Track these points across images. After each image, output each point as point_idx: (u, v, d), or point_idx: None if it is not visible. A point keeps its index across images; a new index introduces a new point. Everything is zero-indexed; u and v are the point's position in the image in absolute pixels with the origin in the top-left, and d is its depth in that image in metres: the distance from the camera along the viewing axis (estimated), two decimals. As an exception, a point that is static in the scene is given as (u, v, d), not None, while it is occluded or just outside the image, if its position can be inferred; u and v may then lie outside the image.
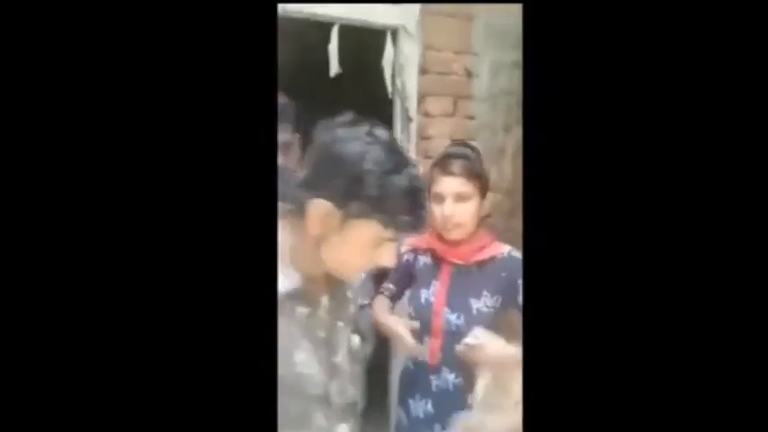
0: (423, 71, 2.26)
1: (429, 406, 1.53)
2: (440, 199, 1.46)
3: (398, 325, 1.47)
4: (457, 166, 1.46)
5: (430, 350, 1.51)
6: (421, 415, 1.54)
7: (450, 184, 1.45)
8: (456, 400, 1.45)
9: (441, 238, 1.53)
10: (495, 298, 1.51)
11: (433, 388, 1.51)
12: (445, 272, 1.54)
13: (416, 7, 2.21)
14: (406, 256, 1.63)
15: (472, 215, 1.48)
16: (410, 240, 1.63)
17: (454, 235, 1.49)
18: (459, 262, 1.53)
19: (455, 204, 1.45)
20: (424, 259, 1.60)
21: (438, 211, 1.47)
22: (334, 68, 2.08)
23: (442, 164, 1.48)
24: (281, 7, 1.92)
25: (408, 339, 1.44)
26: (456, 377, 1.49)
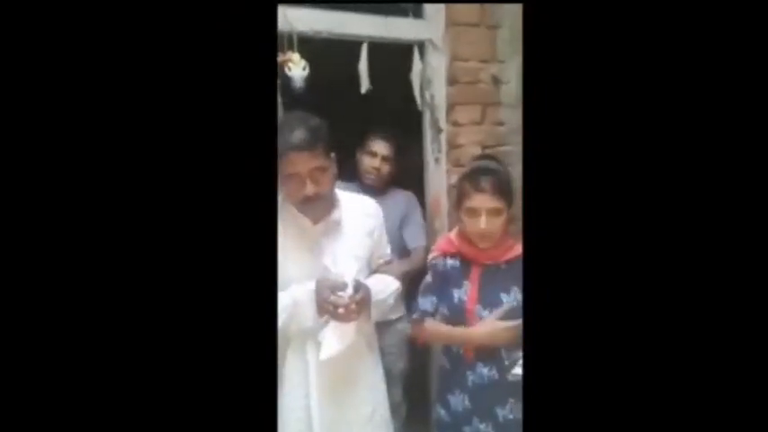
0: (451, 82, 2.29)
1: (467, 401, 1.58)
2: (474, 213, 1.52)
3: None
4: (488, 182, 1.50)
5: (464, 347, 1.56)
6: (460, 409, 1.60)
7: (484, 201, 1.49)
8: (491, 392, 1.52)
9: (470, 242, 1.59)
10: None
11: (469, 383, 1.57)
12: (475, 272, 1.59)
13: (442, 20, 2.26)
14: (434, 262, 1.68)
15: (503, 225, 1.54)
16: (438, 246, 1.69)
17: (486, 245, 1.56)
18: (489, 262, 1.59)
19: (489, 219, 1.50)
20: (451, 262, 1.64)
21: (472, 224, 1.53)
22: (365, 85, 2.13)
23: (473, 179, 1.53)
24: (309, 29, 2.02)
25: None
26: (490, 370, 1.54)
